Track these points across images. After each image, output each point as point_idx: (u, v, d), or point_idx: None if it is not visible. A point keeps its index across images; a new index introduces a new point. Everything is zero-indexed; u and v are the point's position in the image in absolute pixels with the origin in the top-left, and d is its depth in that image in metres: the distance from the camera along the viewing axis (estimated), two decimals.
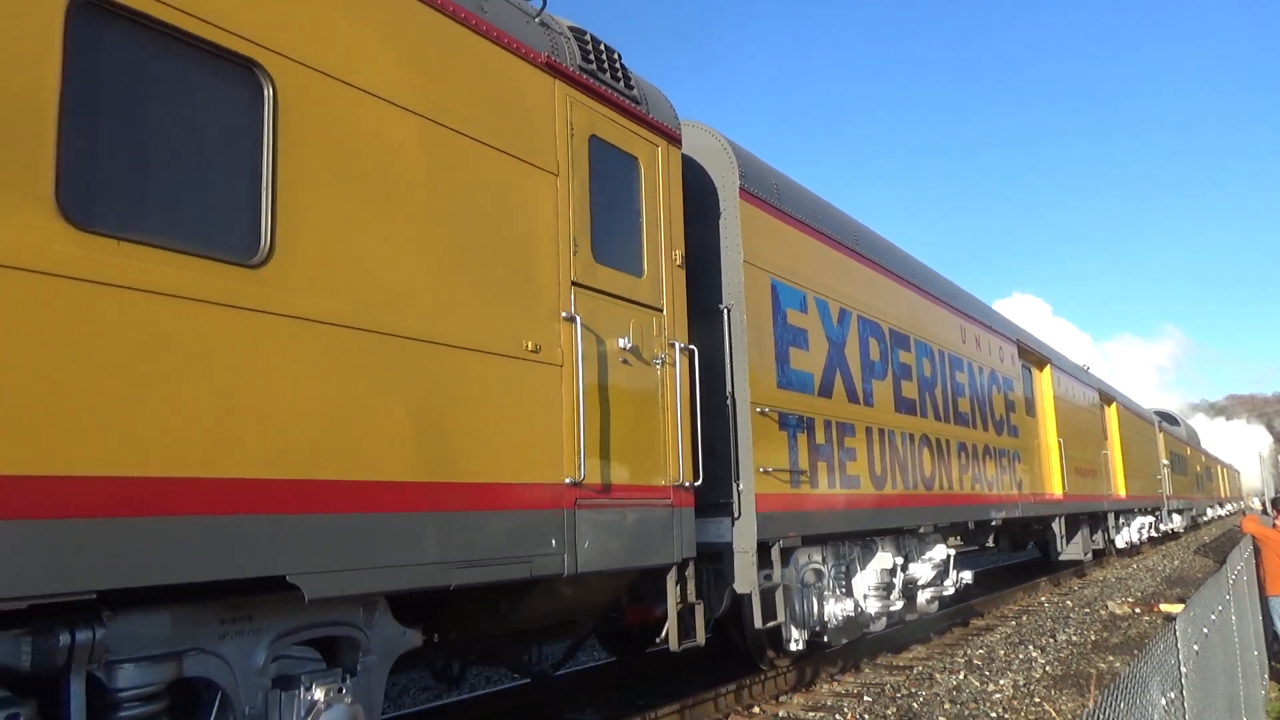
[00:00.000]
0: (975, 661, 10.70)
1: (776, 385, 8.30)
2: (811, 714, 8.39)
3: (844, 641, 9.57)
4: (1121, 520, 24.74)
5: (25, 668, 3.52)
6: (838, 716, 8.21)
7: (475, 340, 5.12)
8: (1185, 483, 38.40)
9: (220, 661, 4.16)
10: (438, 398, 4.84)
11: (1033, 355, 17.76)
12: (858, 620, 9.58)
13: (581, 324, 5.86)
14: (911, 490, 10.74)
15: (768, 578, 7.76)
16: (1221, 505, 62.70)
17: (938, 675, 9.88)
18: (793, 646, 8.49)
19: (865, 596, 9.79)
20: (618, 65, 6.78)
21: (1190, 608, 5.69)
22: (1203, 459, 50.13)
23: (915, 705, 8.57)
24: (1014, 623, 14.01)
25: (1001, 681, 9.59)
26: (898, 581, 10.29)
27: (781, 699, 9.04)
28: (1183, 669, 4.87)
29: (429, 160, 5.04)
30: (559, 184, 5.94)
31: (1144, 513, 27.61)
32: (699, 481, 6.83)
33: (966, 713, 8.35)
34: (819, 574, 8.94)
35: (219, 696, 4.17)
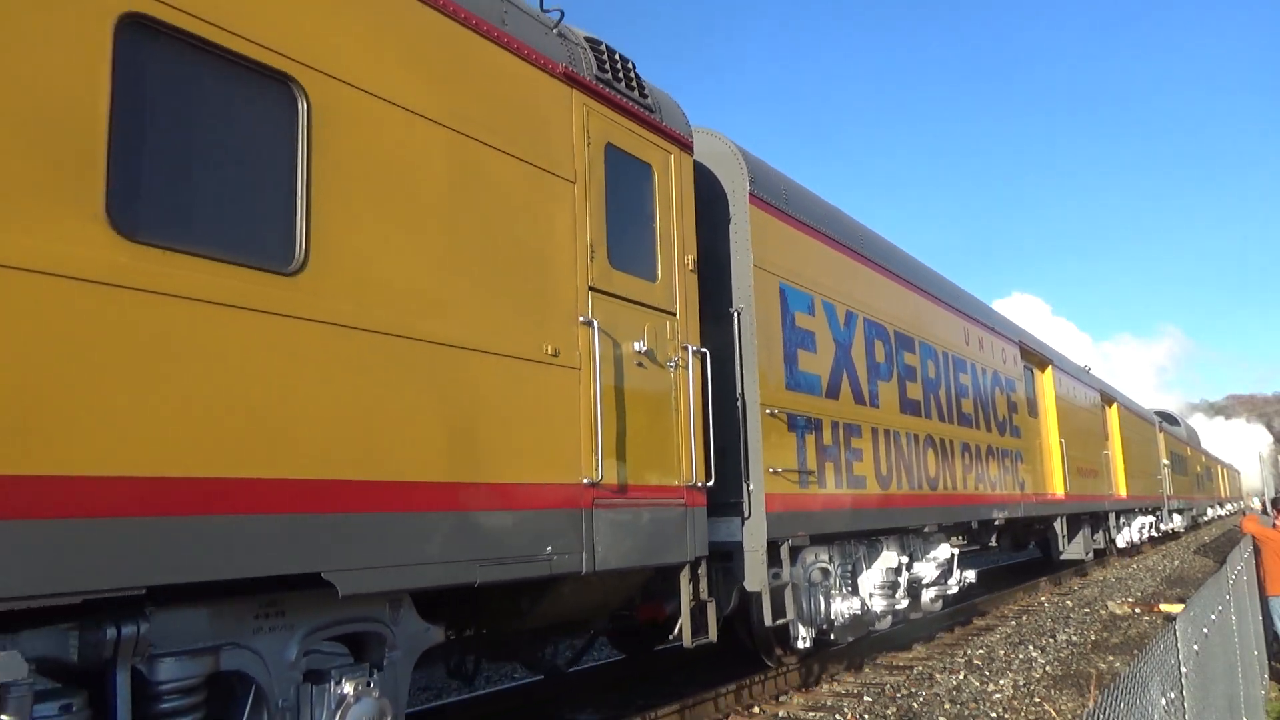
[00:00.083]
0: (975, 661, 10.77)
1: (785, 387, 8.44)
2: (811, 714, 8.45)
3: (850, 639, 9.72)
4: (1122, 520, 24.89)
5: (73, 661, 3.67)
6: (838, 716, 8.27)
7: (498, 345, 5.27)
8: (1185, 483, 38.55)
9: (255, 656, 4.30)
10: (463, 400, 4.99)
11: (1035, 356, 17.90)
12: (864, 618, 9.72)
13: (599, 328, 6.01)
14: (916, 490, 10.89)
15: (776, 576, 7.91)
16: (1221, 505, 62.84)
17: (938, 675, 9.94)
18: (800, 644, 8.64)
19: (871, 595, 9.93)
20: (632, 74, 6.92)
21: (1190, 608, 5.73)
22: (1203, 459, 50.28)
23: (915, 705, 8.63)
24: (1014, 623, 14.07)
25: (1001, 681, 9.65)
26: (903, 580, 10.44)
27: (781, 699, 9.09)
28: (1183, 669, 4.91)
29: (454, 170, 5.18)
30: (576, 191, 6.09)
31: (1145, 513, 27.76)
32: (711, 482, 6.98)
33: (966, 713, 8.40)
34: (826, 573, 9.08)
35: (253, 690, 4.32)
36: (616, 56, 6.82)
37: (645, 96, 7.01)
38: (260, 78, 4.28)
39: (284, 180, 4.31)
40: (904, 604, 10.43)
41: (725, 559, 7.66)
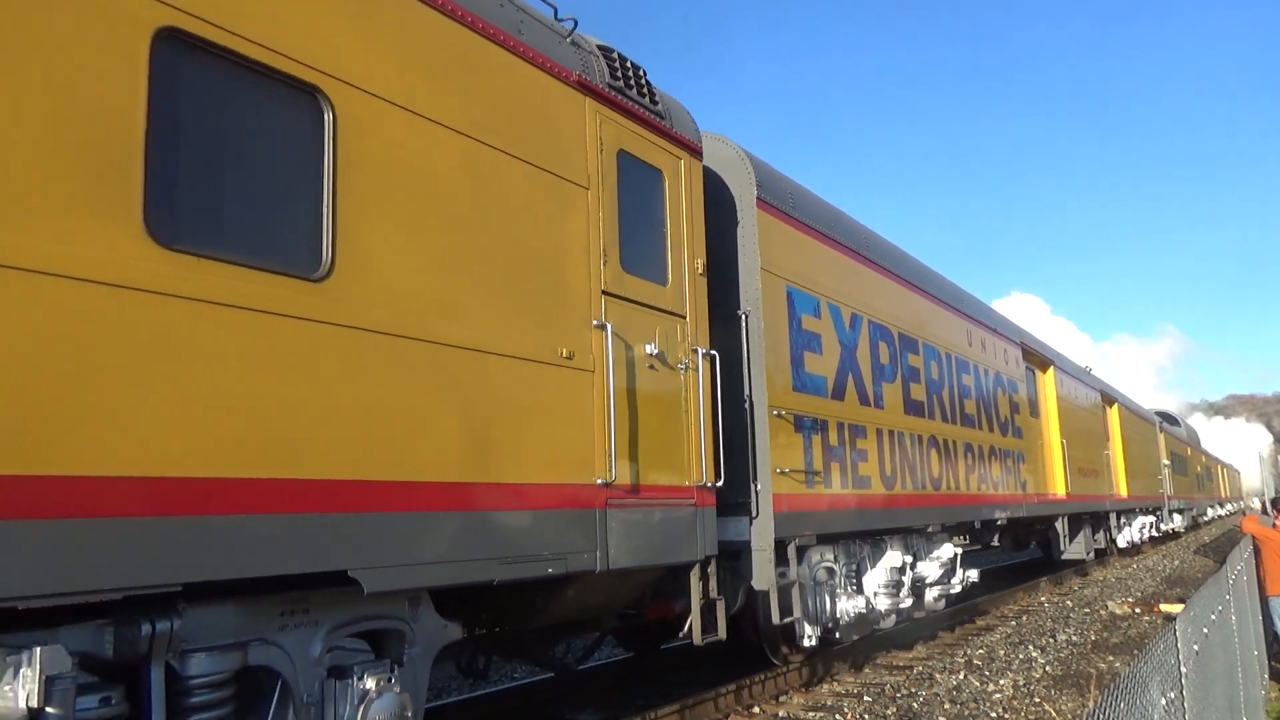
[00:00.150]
0: (975, 661, 10.81)
1: (792, 388, 8.56)
2: (811, 714, 8.48)
3: (855, 637, 9.83)
4: (1123, 520, 25.01)
5: (109, 656, 3.78)
6: (838, 716, 8.30)
7: (515, 348, 5.38)
8: (1186, 483, 38.67)
9: (281, 652, 4.42)
10: (482, 403, 5.11)
11: (1036, 357, 18.02)
12: (868, 617, 9.84)
13: (612, 331, 6.12)
14: (920, 490, 11.01)
15: (783, 575, 8.02)
16: (1221, 505, 62.94)
17: (938, 675, 9.98)
18: (806, 642, 8.75)
19: (875, 594, 10.05)
20: (644, 82, 7.04)
21: (1190, 608, 5.75)
22: (1203, 459, 50.40)
23: (915, 705, 8.67)
24: (1014, 623, 14.11)
25: (1001, 681, 9.69)
26: (906, 579, 10.56)
27: (781, 699, 9.13)
28: (1183, 669, 4.92)
29: (472, 177, 5.30)
30: (590, 197, 6.20)
31: (1145, 512, 27.89)
32: (721, 482, 7.09)
33: (966, 713, 8.44)
34: (831, 572, 9.20)
35: (279, 685, 4.43)
36: (628, 64, 6.94)
37: (656, 103, 7.13)
38: (288, 89, 4.39)
39: (311, 188, 4.43)
40: (908, 603, 10.55)
41: (733, 558, 7.78)
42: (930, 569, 11.28)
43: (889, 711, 8.44)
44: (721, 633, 6.99)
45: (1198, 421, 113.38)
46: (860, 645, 10.53)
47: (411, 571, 4.62)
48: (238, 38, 4.16)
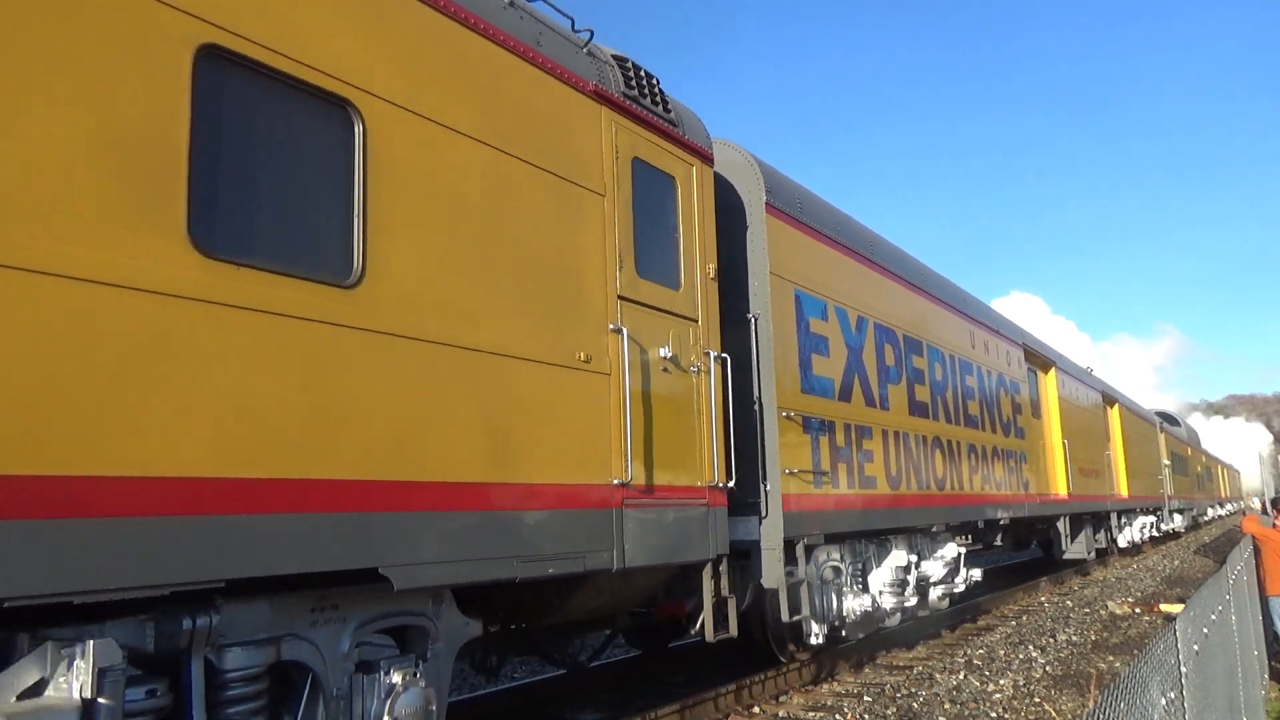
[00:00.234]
0: (975, 661, 10.84)
1: (800, 390, 8.71)
2: (811, 714, 8.51)
3: (860, 635, 9.98)
4: (1124, 520, 25.16)
5: (150, 650, 3.93)
6: (838, 716, 8.33)
7: (535, 352, 5.53)
8: (1186, 483, 38.82)
9: (312, 647, 4.56)
10: (504, 405, 5.26)
11: (1038, 358, 18.17)
12: (874, 615, 9.98)
13: (627, 335, 6.27)
14: (924, 490, 11.16)
15: (791, 574, 8.17)
16: (1221, 505, 63.07)
17: (938, 675, 10.01)
18: (813, 640, 8.89)
19: (881, 593, 10.19)
20: (657, 90, 7.19)
21: (1190, 608, 5.77)
22: (1203, 459, 50.55)
23: (915, 705, 8.70)
24: (1014, 623, 14.13)
25: (1001, 681, 9.73)
26: (911, 578, 10.70)
27: (782, 699, 9.15)
28: (1183, 669, 4.93)
29: (493, 185, 5.44)
30: (606, 204, 6.35)
31: (1146, 512, 28.03)
32: (732, 482, 7.24)
33: (966, 713, 8.46)
34: (837, 570, 9.34)
35: (310, 679, 4.58)
36: (642, 73, 7.08)
37: (669, 111, 7.28)
38: (321, 102, 4.54)
39: (343, 198, 4.58)
40: (913, 601, 10.70)
41: (742, 557, 7.92)
42: (934, 568, 11.43)
43: (889, 711, 8.49)
44: (733, 630, 7.14)
45: (1197, 421, 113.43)
46: (863, 645, 10.67)
47: (438, 569, 4.76)
48: (273, 53, 4.31)
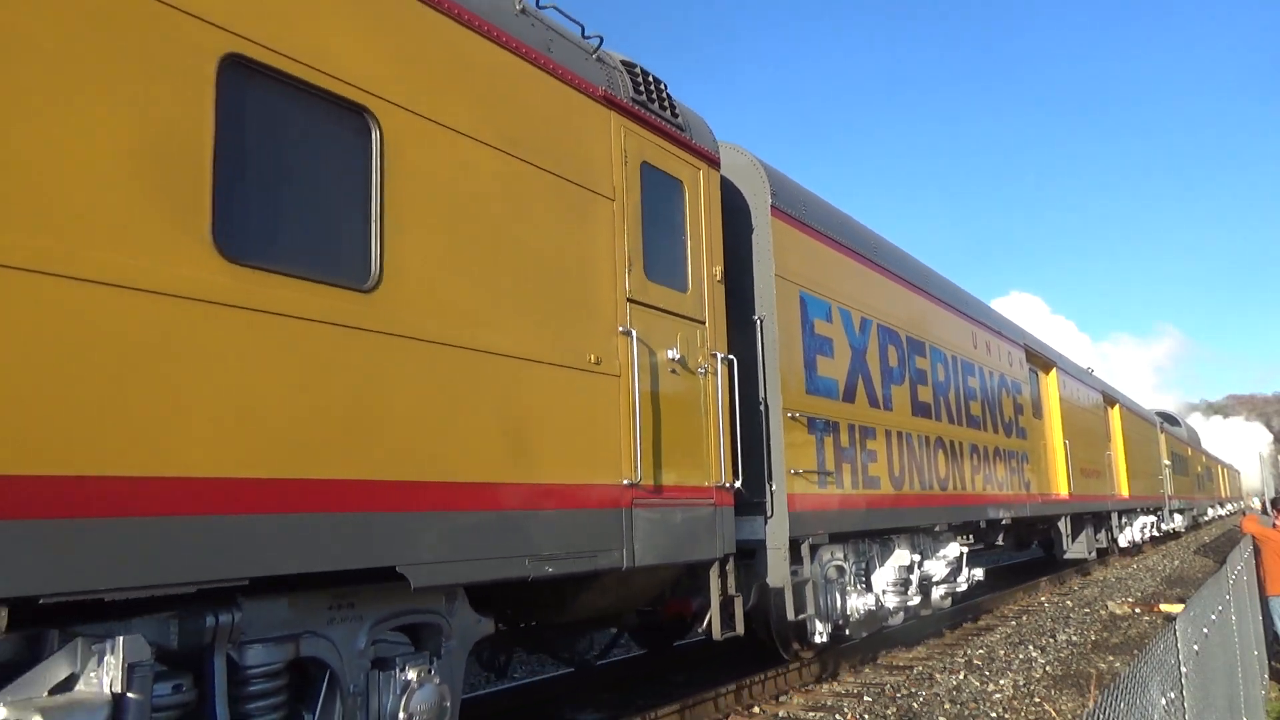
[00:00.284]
0: (975, 661, 10.87)
1: (805, 391, 8.79)
2: (811, 714, 8.53)
3: (864, 634, 10.07)
4: (1124, 520, 25.25)
5: (173, 647, 4.01)
6: (838, 716, 8.35)
7: (547, 354, 5.62)
8: (1186, 483, 38.91)
9: (329, 644, 4.65)
10: (517, 406, 5.35)
11: (1039, 359, 18.27)
12: (877, 614, 10.07)
13: (637, 337, 6.36)
14: (927, 490, 11.25)
15: (796, 573, 8.25)
16: (1222, 505, 63.15)
17: (938, 675, 10.01)
18: (818, 639, 8.98)
19: (884, 592, 10.29)
20: (665, 95, 7.28)
21: (1190, 608, 5.78)
22: (1203, 459, 50.65)
23: (915, 705, 8.71)
24: (1014, 623, 14.15)
25: (1001, 681, 9.75)
26: (914, 578, 10.80)
27: (781, 699, 9.16)
28: (1183, 669, 4.93)
29: (506, 190, 5.53)
30: (616, 208, 6.44)
31: (1146, 512, 28.13)
32: (739, 482, 7.33)
33: (966, 713, 8.48)
34: (841, 570, 9.43)
35: (327, 675, 4.67)
36: (650, 78, 7.17)
37: (676, 116, 7.36)
38: (339, 110, 4.63)
39: (360, 204, 4.67)
40: (916, 600, 10.79)
41: (747, 556, 8.00)
42: (937, 568, 11.52)
43: (889, 711, 8.51)
44: (739, 628, 7.22)
45: (1196, 421, 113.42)
46: (866, 644, 10.75)
47: (454, 568, 4.85)
48: (293, 61, 4.40)
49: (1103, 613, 15.24)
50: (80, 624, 3.65)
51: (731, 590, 7.20)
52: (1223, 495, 64.70)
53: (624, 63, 6.99)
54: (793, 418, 8.44)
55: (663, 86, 7.30)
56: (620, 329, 6.29)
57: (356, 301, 4.51)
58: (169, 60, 3.89)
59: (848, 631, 9.59)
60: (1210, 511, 52.83)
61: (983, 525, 13.76)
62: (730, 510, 7.21)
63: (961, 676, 10.00)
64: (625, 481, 6.10)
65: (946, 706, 8.69)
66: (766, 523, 8.03)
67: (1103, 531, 22.66)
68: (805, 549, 8.39)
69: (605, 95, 6.51)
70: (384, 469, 4.53)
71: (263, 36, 4.26)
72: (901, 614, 10.66)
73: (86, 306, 3.47)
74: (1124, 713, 3.60)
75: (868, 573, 10.15)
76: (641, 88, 6.98)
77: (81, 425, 3.41)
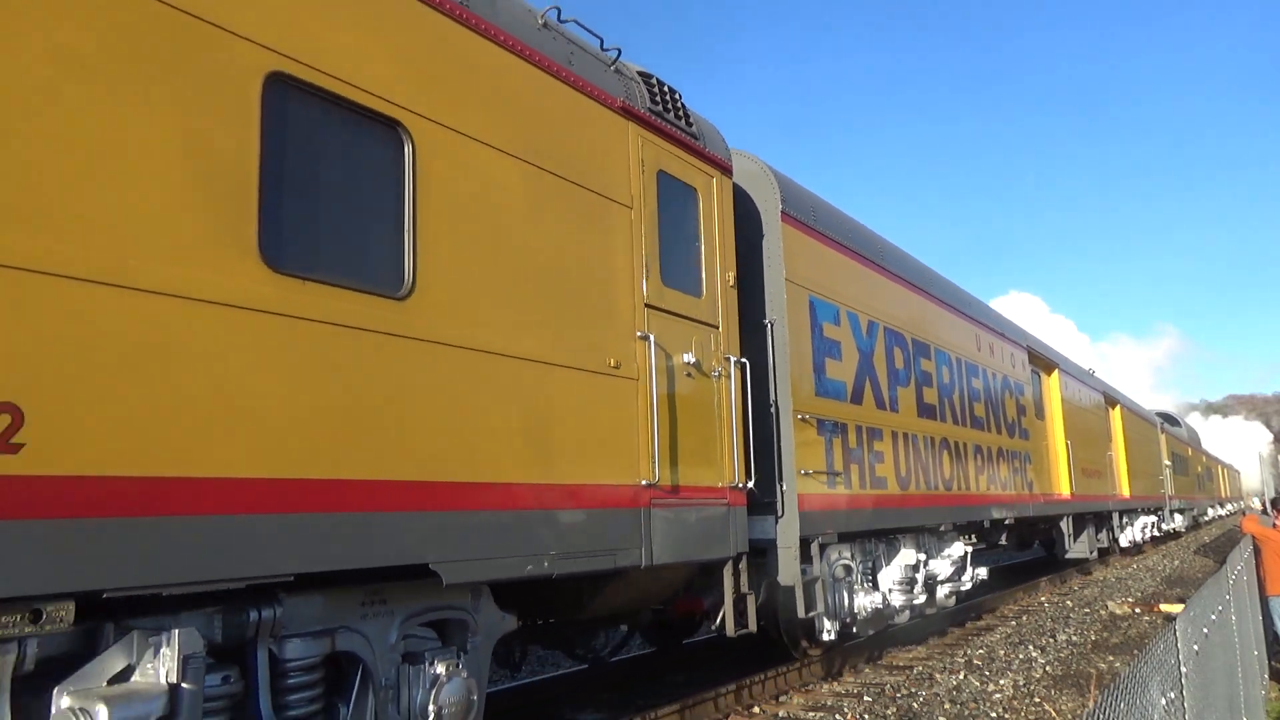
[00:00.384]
0: (975, 661, 10.90)
1: (814, 393, 8.97)
2: (811, 714, 8.54)
3: (871, 632, 10.24)
4: (1125, 520, 25.43)
5: (218, 640, 4.19)
6: (838, 716, 8.37)
7: (569, 358, 5.80)
8: (1187, 483, 39.08)
9: (362, 638, 4.82)
10: (541, 409, 5.53)
11: (1041, 360, 18.44)
12: (884, 612, 10.25)
13: (654, 342, 6.54)
14: (932, 491, 11.43)
15: (805, 572, 8.43)
16: (1222, 505, 63.30)
17: (938, 675, 10.04)
18: (826, 636, 9.15)
19: (890, 590, 10.46)
20: (680, 105, 7.45)
21: (1190, 608, 5.80)
22: (1203, 459, 50.81)
23: (915, 705, 8.73)
24: (1014, 623, 14.18)
25: (1001, 681, 9.79)
26: (920, 577, 10.97)
27: (781, 699, 9.18)
28: (1183, 669, 4.94)
29: (530, 199, 5.71)
30: (633, 216, 6.62)
31: (1147, 512, 28.30)
32: (751, 483, 7.50)
33: (966, 713, 8.50)
34: (848, 569, 9.60)
35: (360, 669, 4.84)
36: (666, 88, 7.35)
37: (691, 125, 7.54)
38: (374, 124, 4.81)
39: (394, 214, 4.85)
40: (921, 599, 10.96)
41: (758, 555, 8.17)
42: (942, 567, 11.69)
43: (889, 711, 8.54)
44: (752, 625, 7.40)
45: (1195, 421, 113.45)
46: (871, 642, 10.91)
47: (482, 565, 5.03)
48: (331, 78, 4.57)
49: (1103, 613, 15.27)
50: (133, 618, 3.83)
51: (744, 588, 7.38)
52: (1223, 495, 64.85)
53: (640, 74, 7.17)
54: (802, 419, 8.62)
55: (677, 96, 7.48)
56: (638, 334, 6.46)
57: (391, 309, 4.69)
58: (220, 81, 4.06)
59: (855, 629, 9.75)
60: (1210, 511, 52.98)
61: (986, 525, 13.94)
62: (743, 510, 7.38)
63: (961, 676, 10.06)
64: (644, 482, 6.27)
65: (946, 706, 8.75)
66: (777, 522, 8.20)
67: (1104, 531, 22.83)
68: (815, 548, 8.57)
69: (623, 106, 6.68)
70: (417, 470, 4.70)
71: (303, 54, 4.44)
72: (907, 612, 10.83)
73: (158, 319, 3.67)
74: (1124, 713, 3.61)
75: (874, 572, 10.32)
76: (658, 98, 7.15)
77: (145, 428, 3.59)
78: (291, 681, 4.46)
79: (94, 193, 3.57)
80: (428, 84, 5.12)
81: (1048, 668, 10.68)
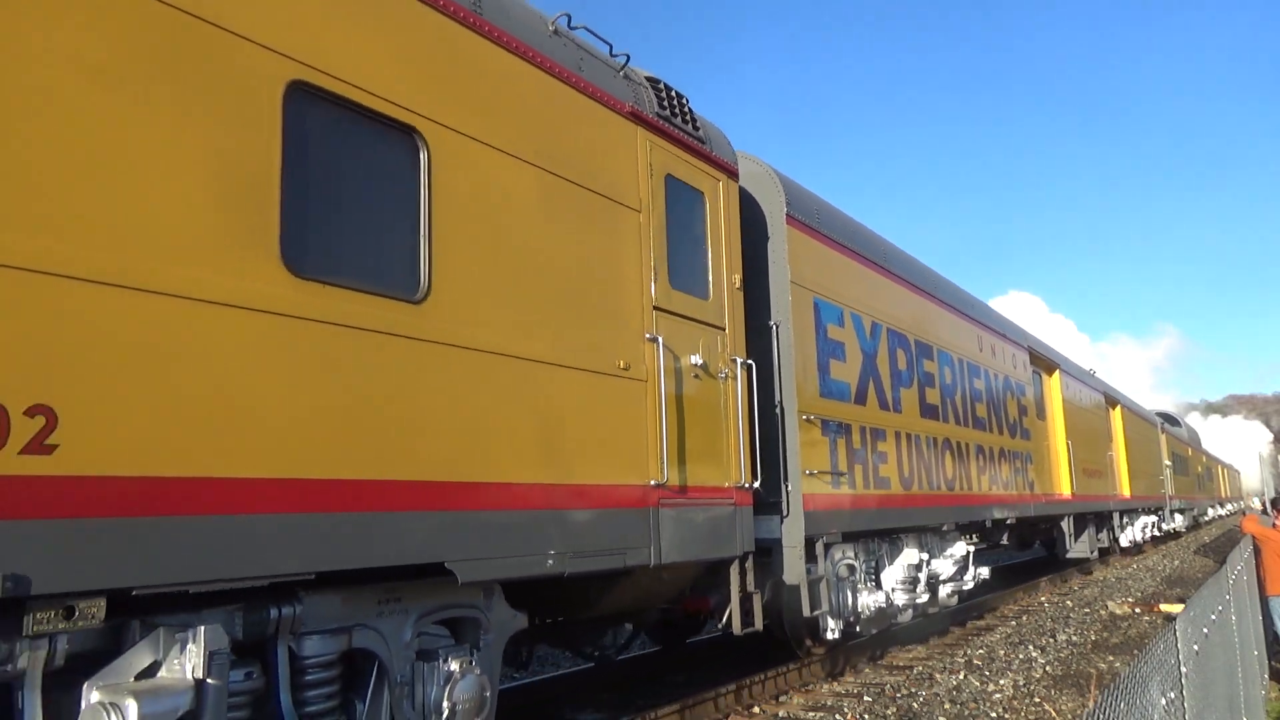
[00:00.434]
0: (975, 661, 10.87)
1: (819, 394, 9.06)
2: (811, 714, 8.55)
3: (874, 631, 10.33)
4: (1126, 519, 25.51)
5: (239, 637, 4.28)
6: (837, 716, 8.38)
7: (580, 360, 5.89)
8: (1187, 483, 39.16)
9: (378, 636, 4.91)
10: (553, 410, 5.62)
11: (1043, 361, 18.53)
12: (887, 611, 10.34)
13: (662, 344, 6.63)
14: (935, 491, 11.51)
15: (810, 571, 8.51)
16: (1222, 505, 63.36)
17: (938, 675, 10.06)
18: (830, 635, 9.23)
19: (893, 589, 10.54)
20: (687, 109, 7.54)
21: (1190, 608, 5.81)
22: (1204, 459, 50.89)
23: (915, 705, 8.74)
24: (1014, 623, 14.20)
25: (1001, 681, 9.82)
26: (922, 576, 11.05)
27: (781, 699, 9.18)
28: (1183, 669, 4.94)
29: (542, 204, 5.80)
30: (642, 219, 6.71)
31: (1147, 512, 28.38)
32: (757, 483, 7.59)
33: (966, 713, 8.51)
34: (852, 568, 9.69)
35: (376, 666, 4.93)
36: (673, 93, 7.44)
37: (698, 129, 7.63)
38: (391, 130, 4.90)
39: (410, 219, 4.94)
40: (924, 598, 11.05)
41: (763, 554, 8.25)
42: (945, 566, 11.78)
43: (889, 711, 8.55)
44: (758, 624, 7.49)
45: (1195, 421, 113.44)
46: (874, 641, 10.99)
47: (496, 564, 5.12)
48: (349, 85, 4.66)
49: (1103, 613, 15.31)
50: (158, 616, 3.92)
51: (750, 587, 7.46)
52: (1223, 495, 64.92)
53: (649, 79, 7.25)
54: (807, 420, 8.70)
55: (685, 101, 7.56)
56: (647, 336, 6.55)
57: (407, 312, 4.78)
58: (243, 90, 4.15)
59: (858, 628, 9.84)
60: (1210, 511, 53.05)
61: (988, 525, 14.02)
62: (749, 510, 7.47)
63: (961, 676, 10.09)
64: (652, 482, 6.36)
65: (946, 706, 8.79)
66: (783, 522, 8.29)
67: (1104, 531, 22.91)
68: (819, 547, 8.65)
69: (632, 111, 6.77)
70: (431, 470, 4.79)
71: (323, 63, 4.53)
72: (910, 611, 10.92)
73: (185, 324, 3.77)
74: (1124, 713, 3.61)
75: (878, 571, 10.41)
76: (665, 103, 7.24)
77: (173, 429, 3.68)
78: (310, 678, 4.56)
79: (124, 202, 3.65)
80: (442, 90, 5.21)
81: (1048, 668, 10.71)
